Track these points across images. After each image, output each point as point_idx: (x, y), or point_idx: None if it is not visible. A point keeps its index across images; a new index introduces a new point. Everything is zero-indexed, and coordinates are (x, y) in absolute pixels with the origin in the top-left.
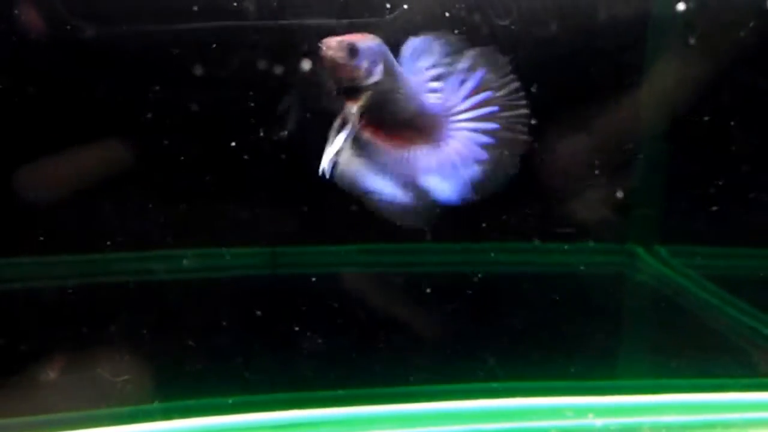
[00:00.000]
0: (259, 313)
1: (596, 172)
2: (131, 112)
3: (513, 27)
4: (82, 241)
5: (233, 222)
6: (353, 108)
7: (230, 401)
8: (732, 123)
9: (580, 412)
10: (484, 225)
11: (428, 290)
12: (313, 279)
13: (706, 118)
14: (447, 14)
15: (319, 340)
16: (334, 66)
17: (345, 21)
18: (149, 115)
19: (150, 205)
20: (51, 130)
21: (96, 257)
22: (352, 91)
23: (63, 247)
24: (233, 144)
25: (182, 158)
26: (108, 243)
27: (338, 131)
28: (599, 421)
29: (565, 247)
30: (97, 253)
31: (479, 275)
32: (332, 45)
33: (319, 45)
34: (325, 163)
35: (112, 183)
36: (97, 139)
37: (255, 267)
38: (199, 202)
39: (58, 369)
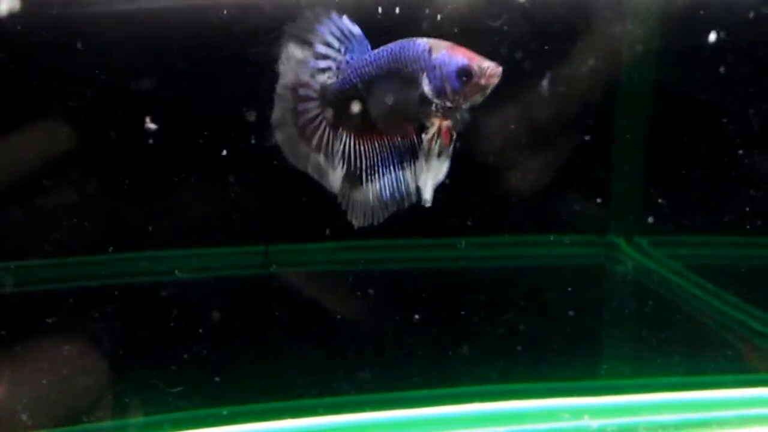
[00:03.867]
0: (252, 315)
1: (573, 161)
2: (120, 108)
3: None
4: (74, 242)
5: (226, 220)
6: (444, 126)
7: (225, 412)
8: (713, 110)
9: (576, 413)
10: (459, 220)
11: (412, 288)
12: (307, 277)
13: (686, 107)
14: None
15: (313, 345)
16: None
17: None
18: (139, 111)
19: (140, 205)
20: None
21: (86, 259)
22: (450, 111)
23: (55, 250)
24: (225, 142)
25: (173, 156)
26: (98, 244)
27: (429, 152)
28: (595, 423)
29: (543, 239)
30: (86, 254)
31: (457, 271)
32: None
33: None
34: (428, 194)
35: (101, 181)
36: (85, 135)
37: (248, 266)
38: (189, 201)
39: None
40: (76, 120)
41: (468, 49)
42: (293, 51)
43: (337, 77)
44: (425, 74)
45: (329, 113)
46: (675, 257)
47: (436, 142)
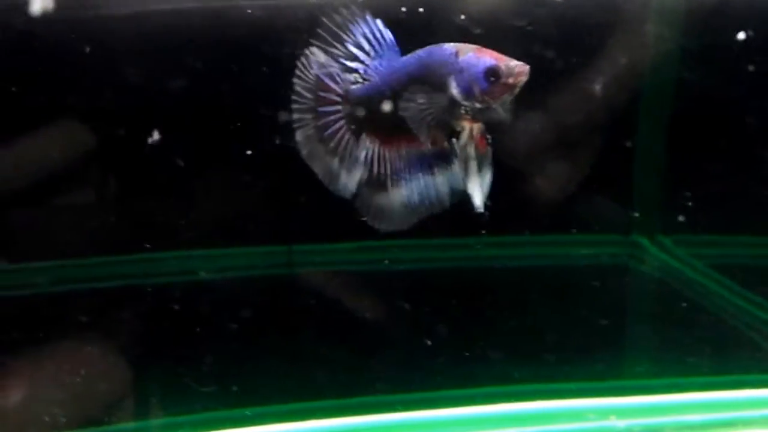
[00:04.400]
0: (276, 315)
1: (596, 161)
2: (145, 108)
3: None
4: (94, 242)
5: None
6: (476, 129)
7: (248, 412)
8: (737, 109)
9: (602, 413)
10: (484, 219)
11: (434, 288)
12: (331, 277)
13: (708, 106)
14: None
15: (336, 345)
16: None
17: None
18: (162, 111)
19: (164, 205)
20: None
21: (108, 259)
22: (480, 112)
23: (79, 250)
24: (250, 142)
25: (195, 156)
26: (121, 244)
27: (467, 158)
28: (621, 423)
29: (567, 239)
30: (109, 254)
31: (481, 271)
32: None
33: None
34: (479, 201)
35: (125, 181)
36: (103, 136)
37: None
38: (213, 201)
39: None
40: (99, 121)
41: (494, 50)
42: (316, 52)
43: (363, 81)
44: (453, 77)
45: (351, 118)
46: (699, 256)
47: (470, 145)
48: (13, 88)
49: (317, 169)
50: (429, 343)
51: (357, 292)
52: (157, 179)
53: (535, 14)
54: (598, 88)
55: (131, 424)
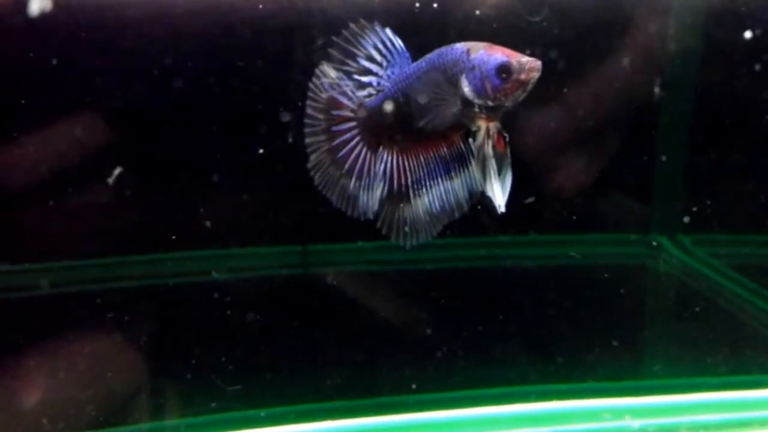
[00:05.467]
0: (290, 316)
1: (615, 159)
2: (159, 108)
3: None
4: (106, 243)
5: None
6: (492, 128)
7: (263, 413)
8: (757, 108)
9: (617, 413)
10: (501, 218)
11: (451, 288)
12: (345, 277)
13: (729, 104)
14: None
15: (352, 345)
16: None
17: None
18: (175, 109)
19: (178, 205)
20: None
21: (120, 259)
22: (494, 110)
23: (92, 251)
24: (262, 141)
25: (209, 156)
26: (133, 244)
27: (485, 158)
28: (636, 423)
29: (585, 238)
30: (122, 255)
31: (498, 270)
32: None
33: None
34: (501, 200)
35: (137, 181)
36: (118, 137)
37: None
38: (226, 201)
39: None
40: (111, 120)
41: (506, 47)
42: (326, 71)
43: (377, 93)
44: (464, 75)
45: (367, 133)
46: (718, 256)
47: (487, 144)
48: (24, 86)
49: (333, 196)
50: (445, 343)
51: (373, 292)
52: (171, 179)
53: (551, 11)
54: (617, 85)
55: (146, 425)
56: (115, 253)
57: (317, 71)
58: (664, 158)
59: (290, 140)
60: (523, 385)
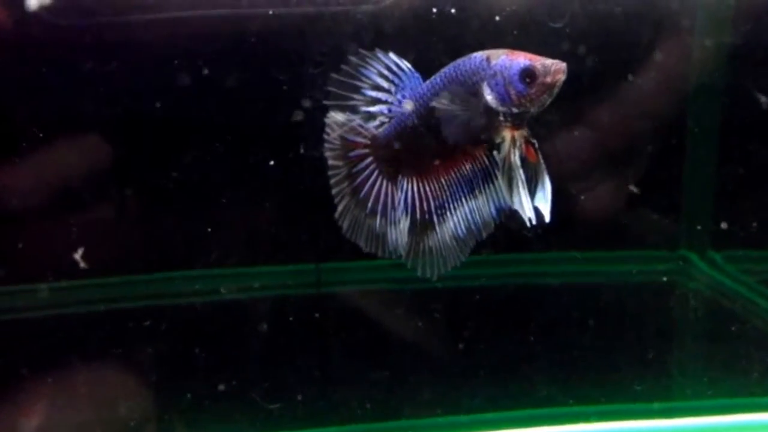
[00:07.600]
0: (303, 336)
1: (643, 174)
2: (166, 123)
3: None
4: (116, 262)
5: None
6: (518, 137)
7: None
8: None
9: None
10: (527, 235)
11: (471, 306)
12: (361, 297)
13: (761, 113)
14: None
15: (370, 366)
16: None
17: (339, 8)
18: (186, 125)
19: (189, 224)
20: None
21: (135, 278)
22: (519, 118)
23: (101, 270)
24: (274, 157)
25: (221, 175)
26: (146, 263)
27: (511, 170)
28: None
29: (613, 255)
30: (135, 274)
31: (521, 288)
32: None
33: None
34: (530, 212)
35: (148, 199)
36: (125, 157)
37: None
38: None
39: None
40: (122, 137)
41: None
42: (335, 116)
43: (390, 120)
44: (486, 83)
45: (384, 164)
46: (750, 272)
47: (513, 155)
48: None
49: (361, 241)
50: (467, 363)
51: (390, 310)
52: (183, 197)
53: (574, 16)
54: (643, 95)
55: None
56: (124, 272)
57: (327, 122)
58: (692, 173)
59: (302, 153)
60: (549, 407)
